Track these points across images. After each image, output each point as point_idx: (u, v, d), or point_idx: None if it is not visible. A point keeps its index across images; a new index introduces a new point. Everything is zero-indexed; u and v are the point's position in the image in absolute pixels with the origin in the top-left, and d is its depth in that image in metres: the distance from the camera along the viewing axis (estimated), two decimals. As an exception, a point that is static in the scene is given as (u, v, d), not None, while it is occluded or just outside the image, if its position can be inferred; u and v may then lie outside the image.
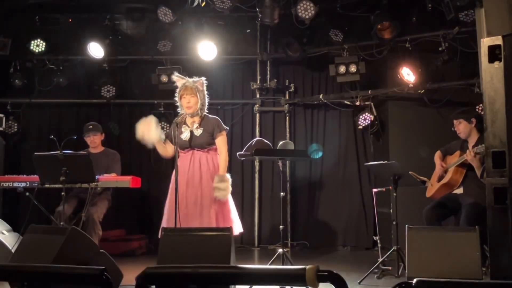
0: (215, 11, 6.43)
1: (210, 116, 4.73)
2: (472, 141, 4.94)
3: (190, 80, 4.64)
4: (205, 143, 4.58)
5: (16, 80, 6.97)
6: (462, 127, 4.95)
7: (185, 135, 4.57)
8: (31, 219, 4.46)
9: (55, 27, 7.01)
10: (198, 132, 4.57)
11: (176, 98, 4.64)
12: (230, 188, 4.52)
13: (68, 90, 7.15)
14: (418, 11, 6.23)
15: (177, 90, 4.65)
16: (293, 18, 6.22)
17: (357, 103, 6.66)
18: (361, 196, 6.87)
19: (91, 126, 5.92)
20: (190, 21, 6.84)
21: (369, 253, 6.45)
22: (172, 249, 3.61)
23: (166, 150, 4.69)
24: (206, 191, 4.48)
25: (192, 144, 4.56)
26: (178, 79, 4.70)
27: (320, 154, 5.13)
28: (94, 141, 5.88)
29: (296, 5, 6.10)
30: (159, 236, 4.46)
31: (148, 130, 4.53)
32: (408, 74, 6.25)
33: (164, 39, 6.94)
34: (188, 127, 4.60)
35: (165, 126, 6.60)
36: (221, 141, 4.64)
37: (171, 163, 4.63)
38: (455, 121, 4.99)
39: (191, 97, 4.56)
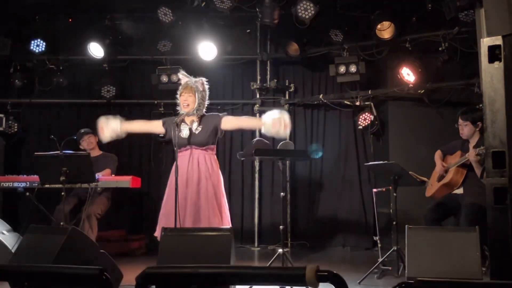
0: (215, 11, 6.43)
1: (208, 113, 4.74)
2: (473, 141, 4.92)
3: (193, 79, 4.66)
4: (204, 141, 4.58)
5: (16, 80, 6.97)
6: (467, 130, 4.88)
7: (185, 133, 4.57)
8: (31, 219, 4.46)
9: (55, 27, 7.01)
10: (197, 130, 4.58)
11: (177, 96, 4.67)
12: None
13: (68, 90, 7.15)
14: (418, 11, 6.23)
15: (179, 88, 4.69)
16: (293, 18, 6.22)
17: (357, 103, 6.65)
18: (361, 196, 6.86)
19: (82, 130, 6.02)
20: (190, 21, 6.83)
21: (369, 253, 6.45)
22: (172, 249, 3.61)
23: (133, 128, 4.78)
24: (204, 192, 4.48)
25: (191, 141, 4.57)
26: (183, 77, 4.72)
27: (320, 154, 5.12)
28: (91, 142, 5.95)
29: (296, 5, 6.10)
30: (155, 234, 4.48)
31: (103, 128, 4.66)
32: (408, 74, 6.25)
33: (164, 39, 6.94)
34: (187, 125, 4.61)
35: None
36: (231, 117, 4.76)
37: (171, 162, 4.63)
38: (461, 121, 4.91)
39: (189, 95, 4.58)
